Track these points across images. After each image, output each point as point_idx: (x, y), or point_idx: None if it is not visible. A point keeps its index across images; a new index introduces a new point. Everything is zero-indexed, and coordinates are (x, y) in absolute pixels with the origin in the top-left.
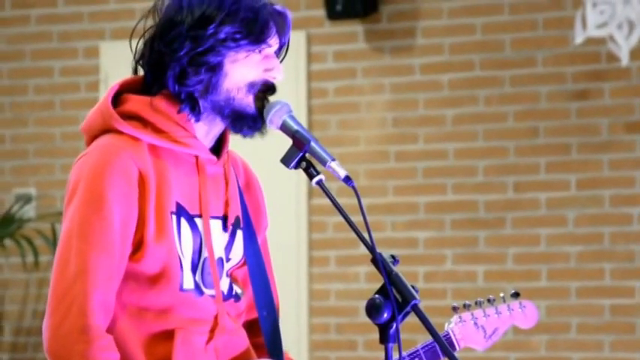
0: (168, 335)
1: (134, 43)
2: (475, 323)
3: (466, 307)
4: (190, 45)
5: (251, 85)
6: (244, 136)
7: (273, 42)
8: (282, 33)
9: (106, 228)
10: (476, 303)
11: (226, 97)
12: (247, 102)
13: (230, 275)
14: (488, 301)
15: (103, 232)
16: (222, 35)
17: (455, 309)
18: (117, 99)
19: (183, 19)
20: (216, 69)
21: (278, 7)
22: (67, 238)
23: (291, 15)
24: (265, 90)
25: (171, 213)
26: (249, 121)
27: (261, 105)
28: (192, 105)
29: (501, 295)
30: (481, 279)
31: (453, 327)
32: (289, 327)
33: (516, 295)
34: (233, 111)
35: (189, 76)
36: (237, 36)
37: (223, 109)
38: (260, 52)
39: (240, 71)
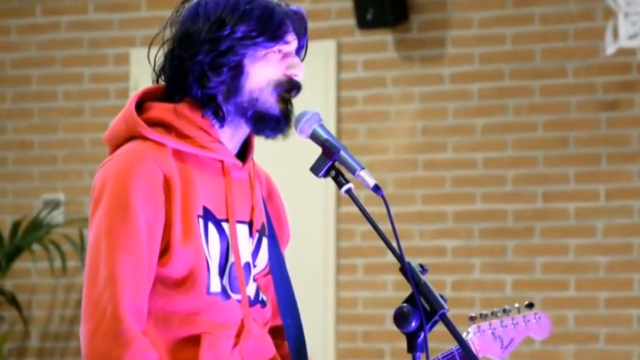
0: (194, 340)
1: (153, 53)
2: (493, 333)
3: (483, 316)
4: (209, 47)
5: (274, 85)
6: (267, 137)
7: (291, 40)
8: (300, 33)
9: (133, 232)
10: (492, 313)
11: (250, 97)
12: (271, 103)
13: (256, 280)
14: (504, 311)
15: (130, 237)
16: (238, 34)
17: (472, 319)
18: (139, 108)
19: (200, 25)
20: (236, 69)
21: (293, 7)
22: (95, 244)
23: (306, 15)
24: (290, 89)
25: (198, 217)
26: (272, 123)
27: (285, 106)
28: (215, 109)
29: (516, 305)
30: (509, 288)
31: (472, 337)
32: (316, 334)
33: (531, 305)
34: (256, 112)
35: (210, 78)
36: (254, 34)
37: (247, 110)
38: (279, 51)
39: (261, 70)
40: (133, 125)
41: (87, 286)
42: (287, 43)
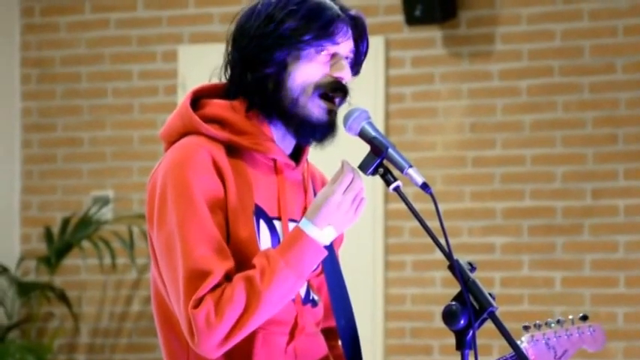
0: (248, 336)
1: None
2: (547, 344)
3: (537, 326)
4: (255, 44)
5: (316, 86)
6: (306, 143)
7: (341, 41)
8: (356, 36)
9: (203, 222)
10: (546, 324)
11: (291, 97)
12: (311, 106)
13: (308, 281)
14: (558, 322)
15: (202, 228)
16: (284, 31)
17: (526, 328)
18: (195, 105)
19: (252, 22)
20: (280, 66)
21: (352, 11)
22: (169, 242)
23: (366, 20)
24: (332, 91)
25: (251, 213)
26: (309, 128)
27: (326, 112)
28: (261, 105)
29: (570, 317)
30: (558, 285)
31: (526, 346)
32: (365, 331)
33: (585, 318)
34: (296, 114)
35: (254, 74)
36: (299, 31)
37: (287, 111)
38: (326, 51)
39: (304, 70)
40: (188, 121)
41: (170, 285)
42: (335, 44)
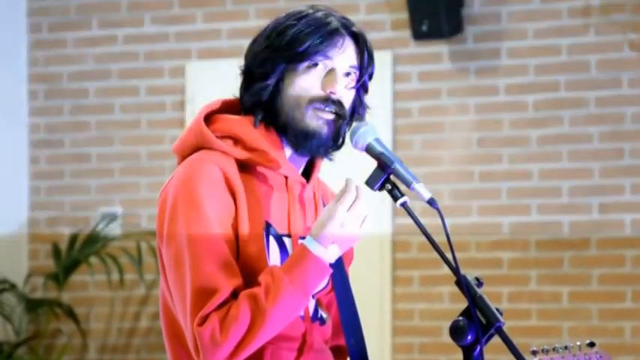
0: (257, 351)
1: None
2: None
3: (544, 351)
4: (257, 59)
5: (310, 100)
6: (306, 155)
7: (336, 56)
8: (357, 53)
9: (212, 237)
10: (553, 349)
11: (287, 110)
12: (307, 119)
13: (317, 299)
14: (565, 348)
15: (211, 242)
16: (280, 44)
17: (534, 353)
18: (207, 120)
19: (258, 38)
20: (278, 79)
21: (354, 26)
22: (178, 257)
23: (367, 36)
24: (324, 106)
25: (261, 229)
26: (305, 140)
27: (321, 124)
28: (263, 116)
29: (577, 343)
30: (566, 300)
31: None
32: (373, 347)
33: (592, 344)
34: (293, 127)
35: (254, 83)
36: (295, 45)
37: (285, 124)
38: (321, 66)
39: (299, 83)
40: (200, 136)
41: (177, 300)
42: (329, 58)
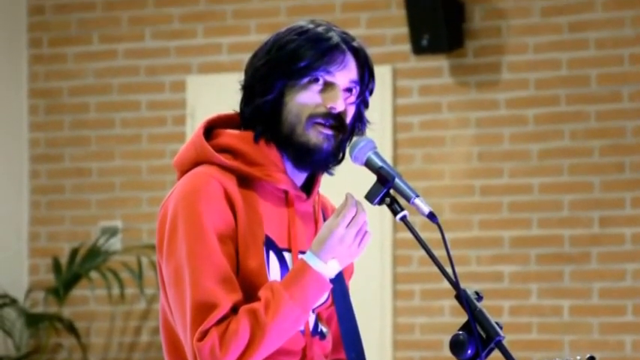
0: None
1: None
2: None
3: None
4: (257, 70)
5: (310, 115)
6: (306, 170)
7: (336, 71)
8: (358, 68)
9: (213, 253)
10: None
11: (288, 125)
12: (309, 134)
13: (317, 313)
14: None
15: (211, 257)
16: (280, 60)
17: None
18: (208, 134)
19: (258, 53)
20: (278, 94)
21: (355, 42)
22: (178, 272)
23: (368, 51)
24: (324, 121)
25: (261, 244)
26: (306, 155)
27: (322, 139)
28: (263, 131)
29: (578, 357)
30: (566, 314)
31: None
32: None
33: (592, 358)
34: (294, 142)
35: (255, 98)
36: (294, 61)
37: (286, 138)
38: (322, 81)
39: (299, 99)
40: (200, 150)
41: (178, 316)
42: (329, 73)
